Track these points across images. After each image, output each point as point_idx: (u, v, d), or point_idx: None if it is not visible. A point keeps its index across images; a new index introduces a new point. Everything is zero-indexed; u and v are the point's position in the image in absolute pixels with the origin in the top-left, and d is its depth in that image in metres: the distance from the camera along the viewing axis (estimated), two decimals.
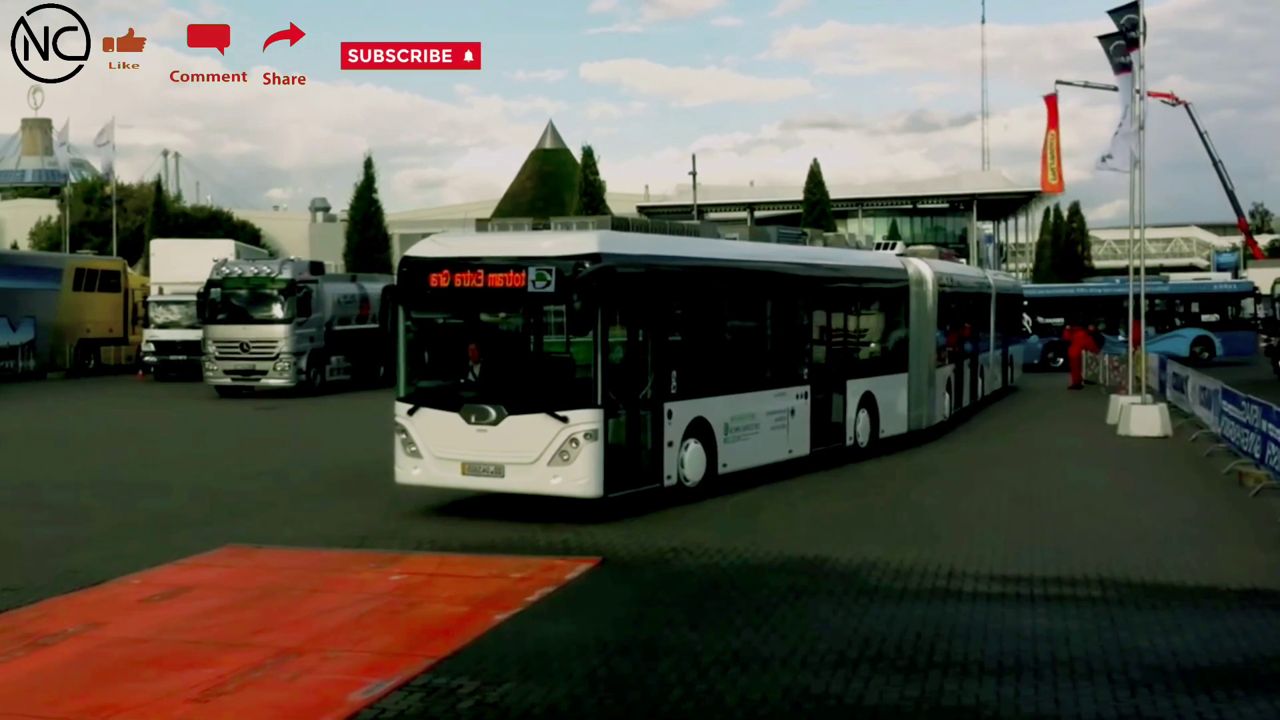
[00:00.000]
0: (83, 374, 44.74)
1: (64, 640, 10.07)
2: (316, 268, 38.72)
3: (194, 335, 39.21)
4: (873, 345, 22.98)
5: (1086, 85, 36.60)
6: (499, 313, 16.02)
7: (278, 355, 36.01)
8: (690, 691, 8.70)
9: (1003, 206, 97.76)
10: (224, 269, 37.28)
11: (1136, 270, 27.77)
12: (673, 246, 17.34)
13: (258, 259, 43.87)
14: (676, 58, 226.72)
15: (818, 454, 19.58)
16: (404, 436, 15.53)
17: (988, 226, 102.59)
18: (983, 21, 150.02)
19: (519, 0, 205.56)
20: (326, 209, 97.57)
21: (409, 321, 16.03)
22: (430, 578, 12.45)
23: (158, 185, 78.39)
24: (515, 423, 14.87)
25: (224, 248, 44.41)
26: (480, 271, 15.18)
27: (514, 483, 15.00)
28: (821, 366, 20.30)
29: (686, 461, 16.23)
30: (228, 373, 36.30)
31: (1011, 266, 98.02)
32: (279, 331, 36.13)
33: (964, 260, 37.05)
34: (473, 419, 15.02)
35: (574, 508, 15.02)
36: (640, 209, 79.12)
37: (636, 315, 15.64)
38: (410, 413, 15.51)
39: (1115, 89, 27.01)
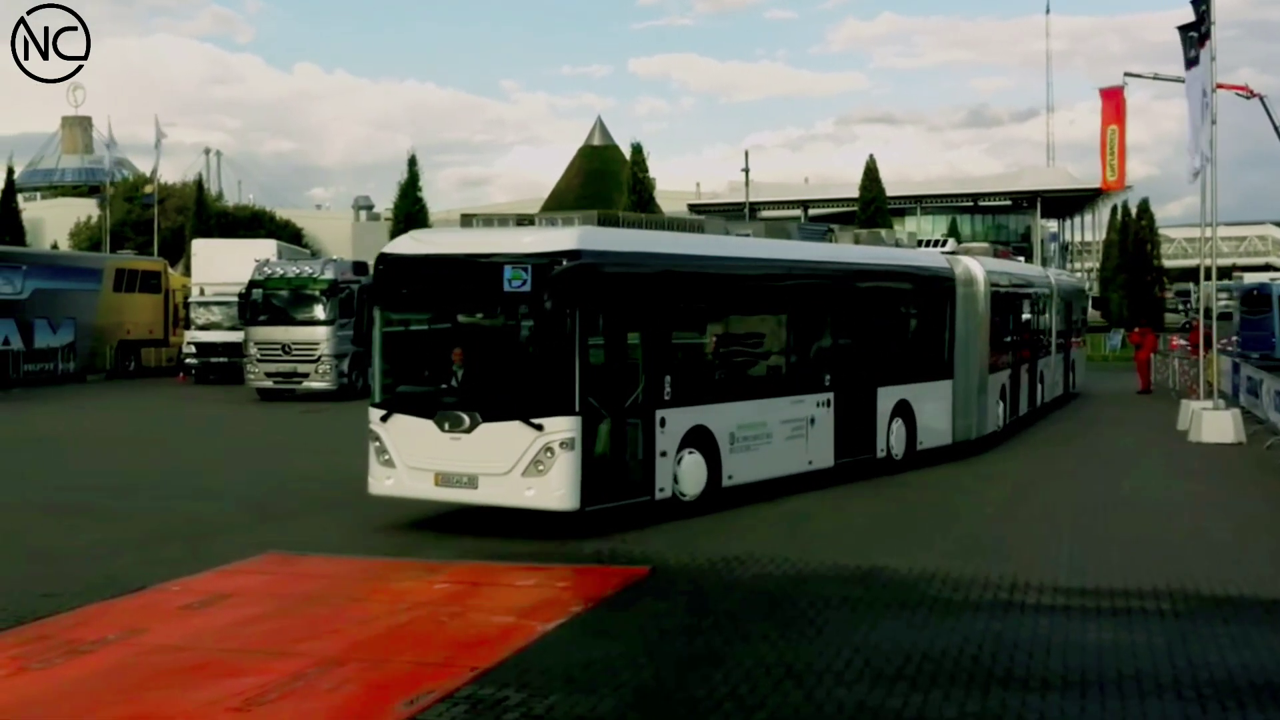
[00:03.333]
0: (123, 376, 44.64)
1: (103, 647, 9.98)
2: (360, 268, 38.06)
3: (235, 337, 38.87)
4: (910, 350, 21.58)
5: (1156, 77, 36.12)
6: (476, 313, 15.36)
7: (319, 358, 35.58)
8: (742, 705, 8.50)
9: (1068, 204, 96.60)
10: (266, 269, 37.06)
11: (1208, 270, 27.17)
12: (666, 244, 16.47)
13: (300, 259, 43.41)
14: (727, 51, 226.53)
15: (843, 466, 18.51)
16: (378, 444, 14.82)
17: (1052, 224, 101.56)
18: (1047, 12, 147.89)
19: None
20: (370, 208, 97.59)
21: (386, 322, 15.33)
22: (474, 586, 12.31)
23: (199, 184, 78.51)
24: (489, 430, 14.12)
25: (266, 247, 44.01)
26: (455, 270, 14.67)
27: (487, 494, 14.24)
28: (848, 372, 18.97)
29: (683, 473, 15.36)
30: (269, 375, 35.89)
31: (1077, 266, 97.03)
32: (321, 333, 35.76)
33: (1021, 258, 35.11)
34: (446, 426, 14.30)
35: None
36: (691, 207, 78.97)
37: (624, 316, 14.93)
38: (384, 419, 14.80)
39: (1183, 81, 26.43)
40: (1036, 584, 12.05)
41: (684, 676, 9.12)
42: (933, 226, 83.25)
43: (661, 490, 15.02)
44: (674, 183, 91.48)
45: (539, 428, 13.84)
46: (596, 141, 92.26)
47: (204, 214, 68.58)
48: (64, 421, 29.94)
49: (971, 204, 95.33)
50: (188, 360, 42.99)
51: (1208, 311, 27.25)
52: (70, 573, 12.64)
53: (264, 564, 13.24)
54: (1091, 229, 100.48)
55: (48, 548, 14.10)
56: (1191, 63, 25.69)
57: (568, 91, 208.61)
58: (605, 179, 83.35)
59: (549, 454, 13.82)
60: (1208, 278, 27.26)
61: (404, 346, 15.75)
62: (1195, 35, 25.40)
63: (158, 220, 60.69)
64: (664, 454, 15.05)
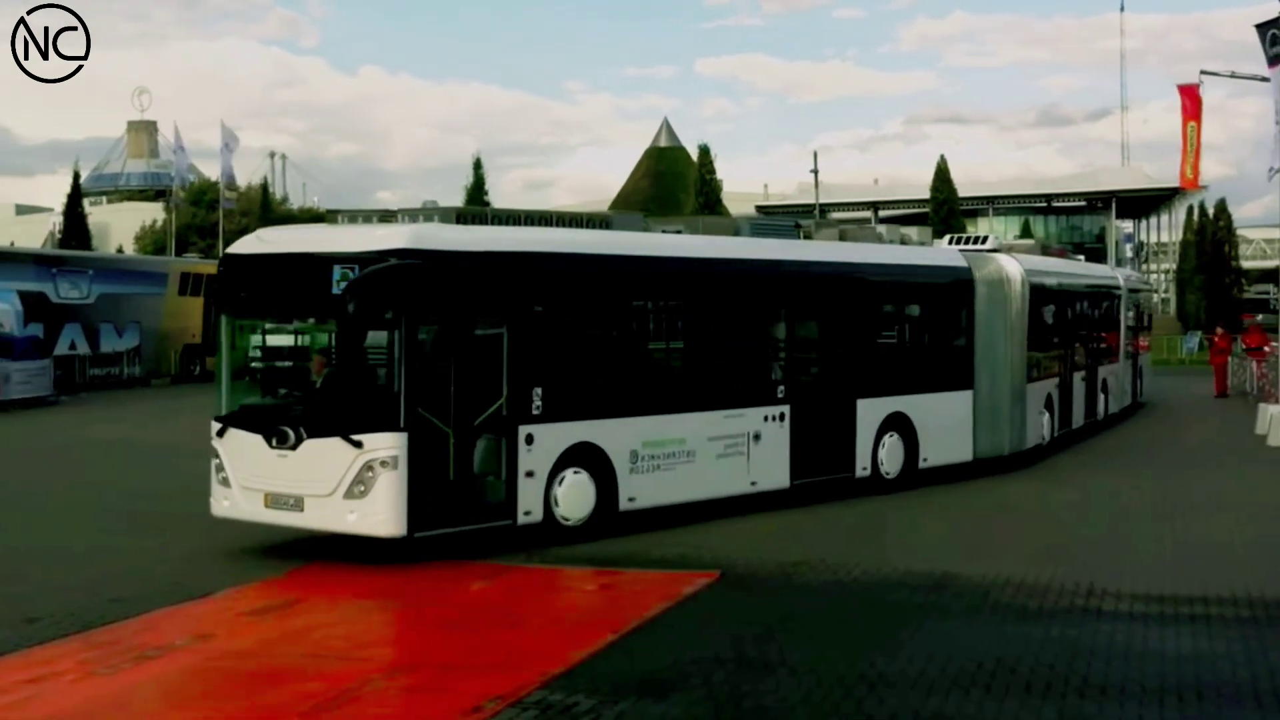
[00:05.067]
0: (188, 380, 44.25)
1: (170, 653, 10.05)
2: None
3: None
4: (910, 357, 19.58)
5: (1234, 75, 35.41)
6: (308, 317, 14.15)
7: None
8: (815, 712, 8.43)
9: (1143, 204, 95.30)
10: None
11: None
12: (533, 242, 14.47)
13: None
14: (795, 51, 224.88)
15: (804, 486, 16.73)
16: (217, 461, 13.74)
17: (1127, 225, 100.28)
18: (1121, 10, 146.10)
19: None
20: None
21: (227, 327, 14.19)
22: (543, 591, 12.30)
23: (264, 187, 79.11)
24: (313, 447, 12.87)
25: None
26: (288, 270, 13.49)
27: (312, 518, 13.00)
28: (813, 383, 17.29)
29: (562, 495, 13.93)
30: None
31: (1153, 267, 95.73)
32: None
33: (1081, 257, 32.90)
34: (274, 442, 13.09)
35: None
36: (759, 208, 78.81)
37: (475, 322, 13.65)
38: (220, 434, 13.73)
39: (1266, 79, 25.96)
40: (1113, 590, 11.85)
41: (756, 683, 9.04)
42: (1005, 228, 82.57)
43: (527, 514, 13.61)
44: (741, 184, 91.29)
45: (358, 445, 12.60)
46: (663, 143, 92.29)
47: (269, 217, 68.91)
48: (129, 426, 30.17)
49: (1045, 205, 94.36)
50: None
51: None
52: (137, 578, 12.72)
53: (332, 569, 13.19)
54: (1167, 229, 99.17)
55: (114, 552, 14.18)
56: (1275, 60, 25.23)
57: (633, 93, 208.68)
58: (672, 180, 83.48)
59: (370, 474, 12.56)
60: None
61: (244, 354, 14.64)
62: (1277, 32, 24.95)
63: (223, 224, 61.11)
64: (530, 474, 13.61)
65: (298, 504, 12.97)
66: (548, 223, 15.29)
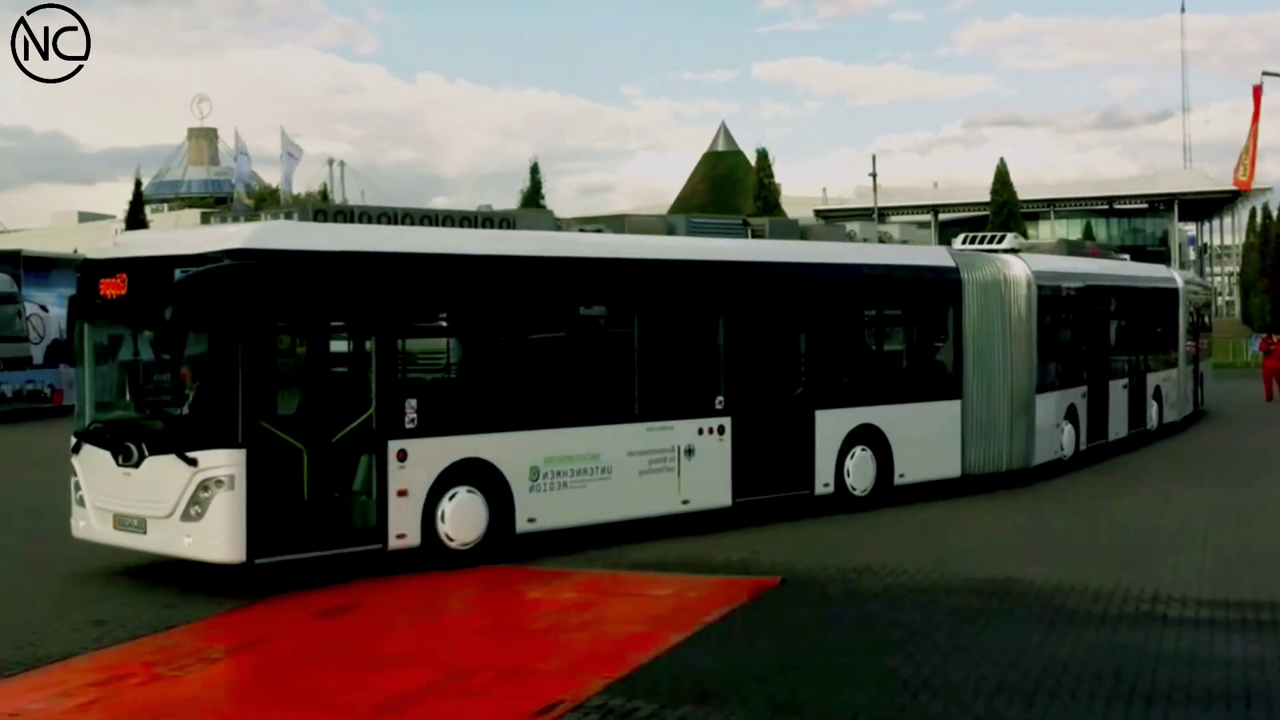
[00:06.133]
0: None
1: (235, 655, 10.16)
2: None
3: None
4: (883, 365, 18.28)
5: None
6: (143, 324, 13.07)
7: None
8: (878, 718, 8.38)
9: (1206, 206, 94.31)
10: None
11: None
12: (404, 242, 13.39)
13: None
14: (852, 55, 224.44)
15: (750, 504, 15.59)
16: (75, 479, 12.95)
17: (1190, 228, 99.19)
18: (1182, 11, 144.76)
19: (686, 0, 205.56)
20: None
21: (86, 335, 13.33)
22: (605, 595, 12.30)
23: (323, 193, 79.56)
24: (153, 465, 11.99)
25: None
26: (133, 274, 12.48)
27: (154, 540, 12.13)
28: (760, 393, 15.95)
29: (449, 516, 12.95)
30: None
31: (1216, 270, 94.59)
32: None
33: (1126, 256, 30.86)
34: (120, 460, 12.27)
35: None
36: (817, 212, 78.59)
37: (334, 327, 12.87)
38: (75, 450, 12.94)
39: None
40: (1179, 596, 11.72)
41: (818, 688, 9.01)
42: (1067, 230, 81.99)
43: (402, 536, 12.62)
44: (800, 188, 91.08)
45: (193, 463, 11.68)
46: (720, 147, 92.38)
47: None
48: None
49: (1106, 207, 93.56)
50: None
51: None
52: (201, 581, 12.71)
53: (390, 575, 12.92)
54: (1231, 232, 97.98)
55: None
56: None
57: (690, 98, 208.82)
58: (730, 185, 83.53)
59: (205, 494, 11.63)
60: None
61: (102, 364, 13.61)
62: None
63: None
64: (404, 493, 12.62)
65: (141, 526, 12.18)
66: (433, 221, 14.29)
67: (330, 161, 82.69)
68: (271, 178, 70.11)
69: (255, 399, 11.77)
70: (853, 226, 24.97)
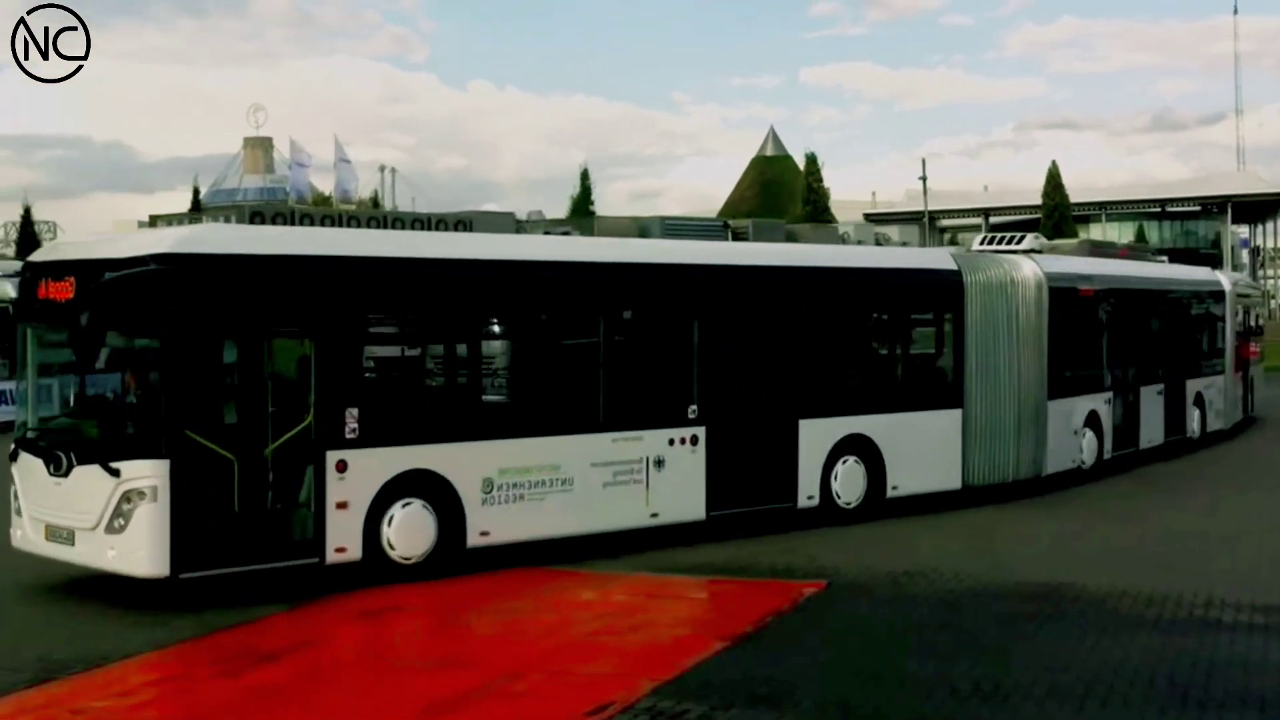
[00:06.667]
0: None
1: (286, 656, 10.24)
2: None
3: None
4: (872, 372, 17.34)
5: None
6: (77, 330, 12.08)
7: None
8: None
9: (1259, 208, 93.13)
10: None
11: None
12: (339, 244, 13.06)
13: None
14: (901, 59, 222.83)
15: (725, 518, 14.87)
16: (13, 488, 12.49)
17: (1243, 230, 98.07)
18: (1235, 12, 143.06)
19: (734, 6, 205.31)
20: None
21: (28, 340, 12.83)
22: (652, 599, 12.32)
23: (374, 200, 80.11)
24: (80, 475, 11.55)
25: None
26: (58, 279, 12.02)
27: (82, 553, 11.65)
28: (737, 401, 15.18)
29: (395, 529, 12.41)
30: None
31: (1270, 273, 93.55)
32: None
33: (1164, 258, 29.08)
34: (51, 469, 11.80)
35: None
36: (867, 216, 78.25)
37: (269, 333, 12.31)
38: (12, 457, 12.45)
39: None
40: (1232, 601, 11.59)
41: (866, 692, 9.00)
42: (1119, 233, 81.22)
43: (342, 550, 12.07)
44: (849, 192, 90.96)
45: (116, 473, 11.25)
46: (769, 152, 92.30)
47: None
48: None
49: (1159, 210, 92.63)
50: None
51: None
52: (252, 583, 12.85)
53: (440, 576, 12.88)
54: None
55: None
56: None
57: (738, 103, 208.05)
58: (779, 189, 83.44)
59: (128, 505, 11.19)
60: None
61: (39, 368, 13.07)
62: None
63: None
64: (344, 505, 12.09)
65: (70, 537, 11.70)
66: (382, 224, 13.71)
67: (381, 168, 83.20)
68: (325, 185, 70.68)
69: (181, 407, 11.36)
70: (845, 229, 24.19)
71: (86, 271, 11.70)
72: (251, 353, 12.25)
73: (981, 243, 21.62)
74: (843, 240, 19.80)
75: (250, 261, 12.02)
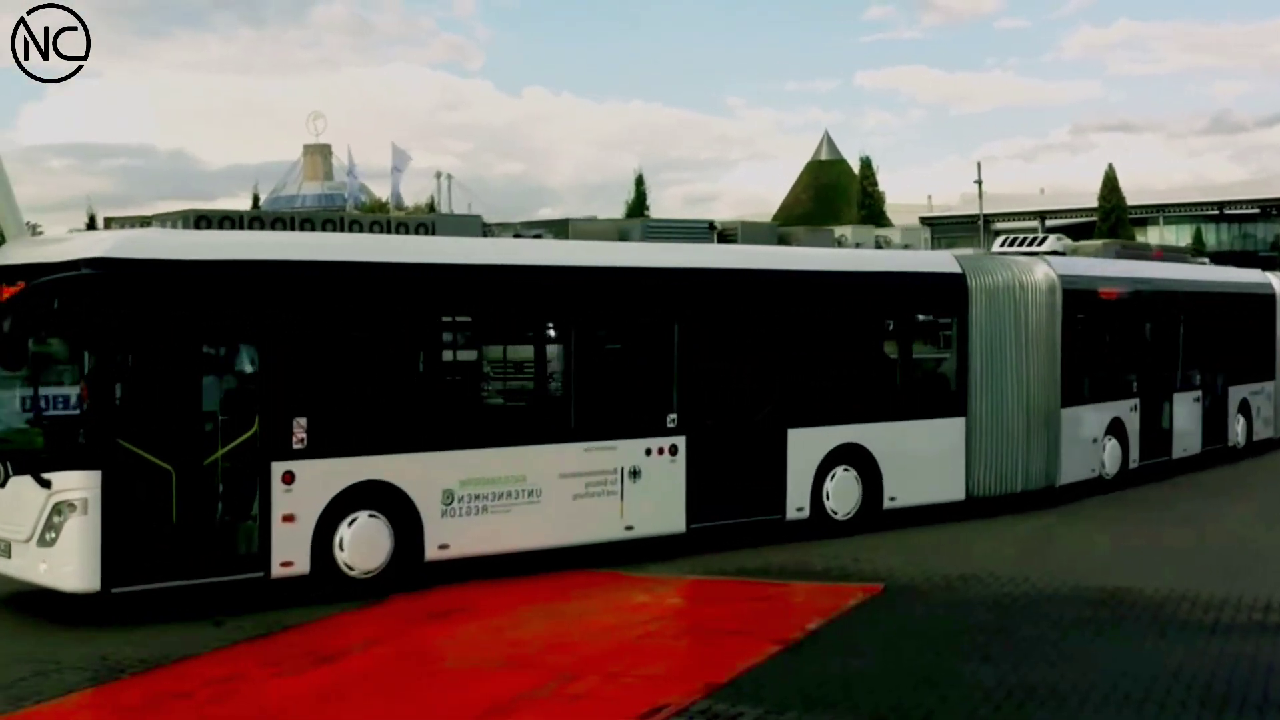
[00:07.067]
0: None
1: (350, 655, 10.35)
2: None
3: None
4: (868, 379, 16.59)
5: None
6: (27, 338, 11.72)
7: None
8: None
9: None
10: None
11: None
12: (285, 247, 12.72)
13: None
14: (956, 62, 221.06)
15: (706, 530, 14.35)
16: None
17: None
18: None
19: (788, 10, 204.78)
20: None
21: None
22: (707, 602, 12.33)
23: (431, 206, 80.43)
24: (15, 486, 11.20)
25: None
26: (7, 284, 11.53)
27: (17, 565, 11.32)
28: (720, 410, 14.70)
29: (348, 542, 12.00)
30: None
31: None
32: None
33: (1206, 259, 28.89)
34: None
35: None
36: (923, 219, 77.91)
37: (211, 340, 11.92)
38: None
39: None
40: None
41: (922, 695, 8.97)
42: (1176, 236, 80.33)
43: (288, 564, 11.68)
44: (904, 195, 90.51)
45: (47, 484, 10.89)
46: (824, 156, 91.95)
47: None
48: None
49: (1217, 212, 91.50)
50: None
51: None
52: (305, 587, 12.52)
53: (497, 578, 12.99)
54: None
55: None
56: None
57: (793, 107, 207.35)
58: (834, 193, 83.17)
59: (58, 518, 10.82)
60: None
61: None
62: None
63: None
64: (290, 518, 11.68)
65: (6, 549, 11.38)
66: (336, 227, 13.25)
67: (438, 175, 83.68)
68: (382, 192, 71.20)
69: (112, 416, 10.98)
70: (843, 231, 23.64)
71: (24, 275, 11.33)
72: (193, 360, 11.80)
73: (1003, 244, 21.06)
74: (839, 243, 19.33)
75: (190, 266, 11.59)
